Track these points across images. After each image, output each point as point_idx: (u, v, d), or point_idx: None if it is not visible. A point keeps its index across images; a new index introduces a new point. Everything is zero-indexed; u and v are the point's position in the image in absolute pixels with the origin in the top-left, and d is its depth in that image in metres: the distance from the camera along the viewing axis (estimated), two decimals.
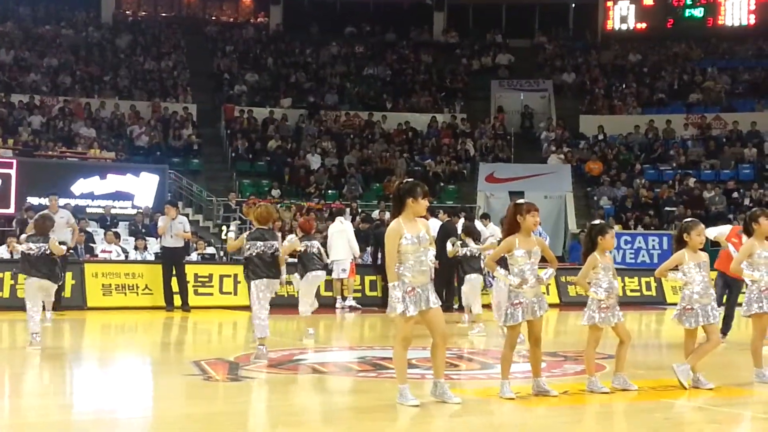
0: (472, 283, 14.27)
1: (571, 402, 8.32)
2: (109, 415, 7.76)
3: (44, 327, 12.16)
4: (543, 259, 8.37)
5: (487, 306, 15.25)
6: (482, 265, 13.53)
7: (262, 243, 10.60)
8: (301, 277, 12.85)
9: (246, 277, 10.83)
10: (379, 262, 19.31)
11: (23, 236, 11.84)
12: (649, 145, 32.56)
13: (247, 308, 12.93)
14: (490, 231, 17.41)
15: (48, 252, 11.58)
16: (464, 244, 14.11)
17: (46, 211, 15.34)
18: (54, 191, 17.98)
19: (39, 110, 29.68)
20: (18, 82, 31.51)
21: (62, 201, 23.30)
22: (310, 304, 12.92)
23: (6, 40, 33.38)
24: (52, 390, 9.26)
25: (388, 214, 23.66)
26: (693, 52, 37.65)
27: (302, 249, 12.69)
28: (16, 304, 16.13)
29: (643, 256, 25.91)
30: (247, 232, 11.00)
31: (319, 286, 13.66)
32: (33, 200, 23.47)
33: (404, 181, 8.09)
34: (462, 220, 18.31)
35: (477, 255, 13.95)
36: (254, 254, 10.57)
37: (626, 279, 21.58)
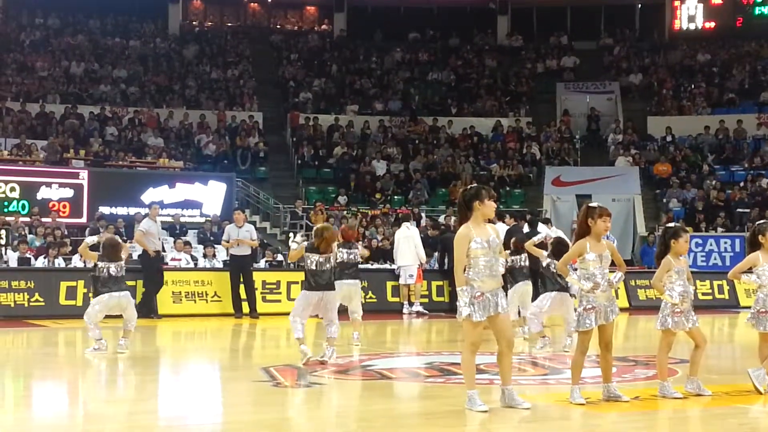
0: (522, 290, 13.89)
1: (642, 407, 8.20)
2: (180, 422, 7.85)
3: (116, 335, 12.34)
4: (612, 263, 8.27)
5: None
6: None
7: (318, 256, 10.72)
8: None
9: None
10: (446, 267, 19.26)
11: (97, 254, 12.11)
12: (720, 145, 32.01)
13: (315, 315, 13.02)
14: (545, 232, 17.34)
15: (121, 273, 11.93)
16: (513, 254, 13.64)
17: (113, 236, 15.78)
18: (121, 200, 18.24)
19: (110, 121, 30.21)
20: (88, 94, 32.12)
21: (132, 210, 23.80)
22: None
23: (77, 53, 34.05)
24: (123, 397, 9.39)
25: (454, 219, 23.61)
26: (764, 50, 36.89)
27: (342, 258, 12.72)
28: None
29: (715, 258, 25.47)
30: (307, 242, 11.09)
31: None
32: (104, 209, 23.95)
33: (468, 187, 8.07)
34: (526, 227, 18.16)
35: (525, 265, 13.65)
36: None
37: (698, 282, 21.14)
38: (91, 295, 13.56)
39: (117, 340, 12.14)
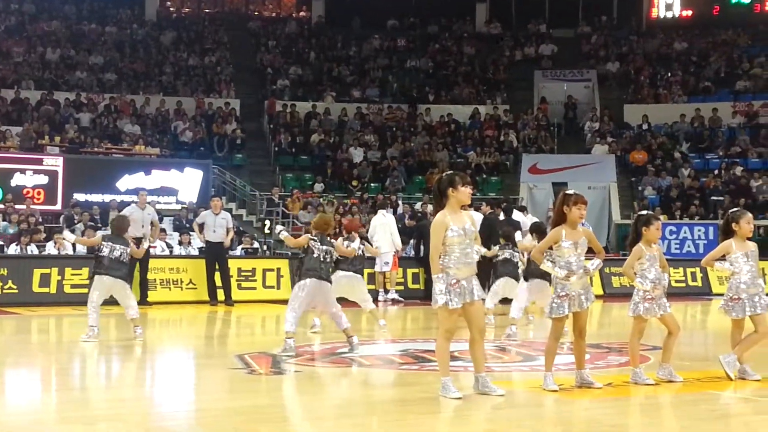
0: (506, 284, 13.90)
1: (615, 394, 8.26)
2: (154, 409, 7.84)
3: (80, 322, 12.27)
4: (589, 250, 8.30)
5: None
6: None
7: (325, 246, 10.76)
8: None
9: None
10: (421, 254, 19.29)
11: (99, 233, 12.03)
12: (695, 133, 32.18)
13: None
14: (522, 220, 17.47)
15: (125, 256, 11.87)
16: (503, 247, 13.64)
17: (124, 212, 15.78)
18: (96, 187, 18.08)
19: (86, 108, 30.02)
20: (64, 80, 31.89)
21: (108, 197, 23.68)
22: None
23: (52, 38, 33.78)
24: (97, 384, 9.37)
25: (430, 207, 23.64)
26: (740, 39, 37.06)
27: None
28: (63, 300, 16.43)
29: (689, 246, 25.62)
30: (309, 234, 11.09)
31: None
32: (79, 197, 23.83)
33: (443, 174, 8.08)
34: (501, 215, 18.23)
35: (512, 259, 13.63)
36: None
37: (671, 269, 21.23)
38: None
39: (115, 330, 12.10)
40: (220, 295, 17.71)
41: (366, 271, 19.25)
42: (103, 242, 11.92)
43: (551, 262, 8.21)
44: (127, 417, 7.30)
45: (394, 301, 18.77)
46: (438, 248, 7.70)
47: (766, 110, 32.60)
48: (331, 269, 11.13)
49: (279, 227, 11.82)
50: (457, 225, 7.72)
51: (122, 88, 31.95)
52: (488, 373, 7.99)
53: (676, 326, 8.68)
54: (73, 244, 17.47)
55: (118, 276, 11.91)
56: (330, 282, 10.94)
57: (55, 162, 24.41)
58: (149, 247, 17.64)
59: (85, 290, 12.92)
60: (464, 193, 7.83)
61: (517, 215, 18.45)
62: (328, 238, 11.05)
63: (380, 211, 19.65)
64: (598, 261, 8.43)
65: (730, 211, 9.23)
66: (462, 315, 7.74)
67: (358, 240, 13.29)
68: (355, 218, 17.56)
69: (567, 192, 8.29)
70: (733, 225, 8.88)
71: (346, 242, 12.89)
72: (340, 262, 12.73)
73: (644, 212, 9.14)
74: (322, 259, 10.67)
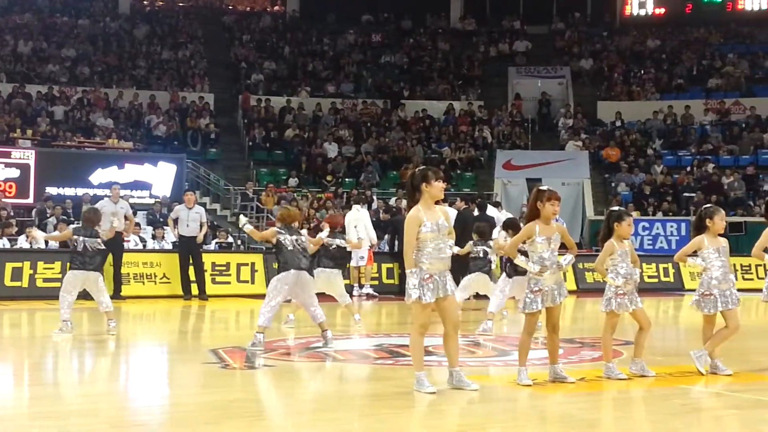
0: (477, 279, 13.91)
1: (588, 388, 8.31)
2: (128, 404, 7.81)
3: (52, 317, 12.19)
4: (563, 246, 8.35)
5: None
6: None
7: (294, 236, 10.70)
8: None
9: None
10: (395, 249, 19.31)
11: (71, 227, 11.99)
12: (668, 131, 32.40)
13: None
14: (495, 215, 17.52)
15: (99, 246, 11.82)
16: (476, 243, 13.59)
17: (97, 205, 15.68)
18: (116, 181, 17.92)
19: (58, 101, 29.80)
20: (36, 73, 31.65)
21: (81, 191, 23.52)
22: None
23: (24, 31, 33.52)
24: (70, 379, 9.32)
25: (405, 202, 23.65)
26: (712, 37, 37.38)
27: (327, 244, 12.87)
28: (35, 294, 16.32)
29: (661, 242, 25.82)
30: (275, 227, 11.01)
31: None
32: (52, 190, 23.67)
33: (416, 169, 8.09)
34: (476, 211, 18.25)
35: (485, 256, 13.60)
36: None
37: (644, 265, 21.48)
38: None
39: (88, 324, 12.03)
40: (194, 289, 17.66)
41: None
42: (74, 236, 11.86)
43: (525, 257, 8.25)
44: (100, 412, 7.26)
45: (368, 296, 18.79)
46: (412, 243, 7.72)
47: (738, 108, 32.91)
48: (309, 260, 11.00)
49: (243, 219, 11.63)
50: (431, 220, 7.73)
51: (95, 81, 31.75)
52: (462, 368, 8.02)
53: (647, 321, 8.75)
54: (45, 241, 17.38)
55: (92, 269, 11.90)
56: (311, 274, 10.91)
57: (27, 155, 24.23)
58: (123, 241, 17.59)
59: (58, 284, 12.86)
60: (437, 188, 7.85)
61: (491, 211, 18.51)
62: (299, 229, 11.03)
63: (355, 206, 19.64)
64: (571, 256, 8.48)
65: (704, 207, 9.32)
66: (436, 310, 7.77)
67: (327, 230, 13.18)
68: (338, 214, 17.51)
69: (541, 188, 8.32)
70: (707, 221, 8.95)
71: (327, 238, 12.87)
72: (323, 257, 12.74)
73: (616, 208, 9.20)
74: (294, 249, 10.60)
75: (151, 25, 35.96)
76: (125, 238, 18.10)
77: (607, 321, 8.67)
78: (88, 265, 11.83)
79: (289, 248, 10.59)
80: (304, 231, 11.78)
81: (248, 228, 11.37)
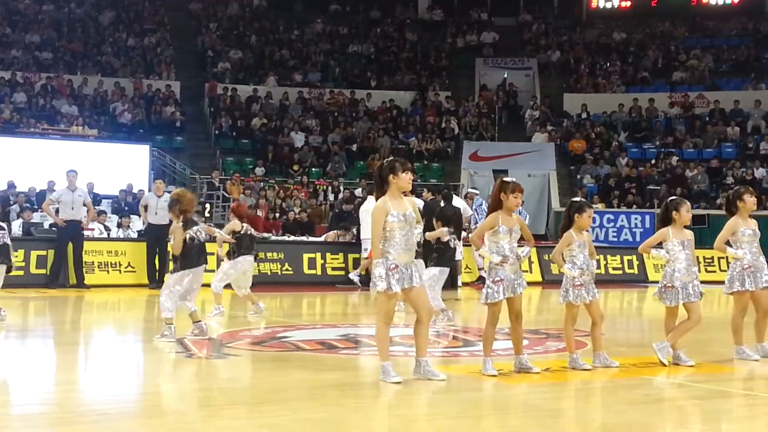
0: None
1: (553, 379, 8.37)
2: (92, 393, 7.76)
3: (13, 305, 12.12)
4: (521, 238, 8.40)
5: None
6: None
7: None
8: (230, 258, 12.92)
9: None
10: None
11: (17, 222, 11.88)
12: (633, 123, 32.63)
13: (229, 286, 13.03)
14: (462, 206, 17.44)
15: (5, 239, 11.79)
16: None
17: (53, 194, 15.51)
18: (72, 168, 17.66)
19: (21, 87, 29.46)
20: None
21: (44, 179, 23.27)
22: (225, 283, 12.94)
23: None
24: (36, 369, 9.23)
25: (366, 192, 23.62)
26: (677, 31, 37.69)
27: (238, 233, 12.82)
28: None
29: (626, 234, 26.03)
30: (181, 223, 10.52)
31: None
32: (15, 178, 23.42)
33: (383, 161, 8.11)
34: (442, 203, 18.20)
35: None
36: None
37: (608, 257, 21.68)
38: None
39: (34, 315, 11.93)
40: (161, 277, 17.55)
41: (306, 255, 19.42)
42: None
43: (486, 247, 8.30)
44: (63, 401, 7.22)
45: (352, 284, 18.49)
46: (378, 234, 7.73)
47: (702, 101, 33.21)
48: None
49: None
50: (398, 210, 7.75)
51: (59, 67, 31.42)
52: (428, 358, 8.04)
53: (599, 315, 8.77)
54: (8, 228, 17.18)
55: (3, 261, 11.79)
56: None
57: None
58: (84, 229, 17.40)
59: (20, 272, 12.76)
60: (404, 179, 7.87)
61: (458, 202, 18.53)
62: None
63: (369, 197, 19.27)
64: (528, 249, 8.55)
65: (670, 198, 9.36)
66: (407, 301, 7.78)
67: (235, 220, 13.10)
68: (243, 203, 17.39)
69: (505, 180, 8.36)
70: (674, 213, 9.01)
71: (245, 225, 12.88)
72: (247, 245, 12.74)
73: (577, 199, 9.23)
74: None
75: (117, 11, 35.62)
76: (87, 227, 17.93)
77: (566, 312, 8.72)
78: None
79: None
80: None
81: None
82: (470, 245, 15.75)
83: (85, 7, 35.48)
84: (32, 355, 10.09)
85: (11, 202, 21.50)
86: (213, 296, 12.92)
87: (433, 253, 11.97)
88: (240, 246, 12.78)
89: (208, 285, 12.68)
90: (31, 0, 34.73)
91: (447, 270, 12.30)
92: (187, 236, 10.30)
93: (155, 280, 17.51)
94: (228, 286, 13.07)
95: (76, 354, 10.25)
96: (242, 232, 12.82)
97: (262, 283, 13.77)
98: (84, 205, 17.39)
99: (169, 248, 17.72)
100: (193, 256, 10.37)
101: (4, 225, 12.43)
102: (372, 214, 7.82)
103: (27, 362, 9.55)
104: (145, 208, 17.85)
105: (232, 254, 12.87)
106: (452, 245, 12.29)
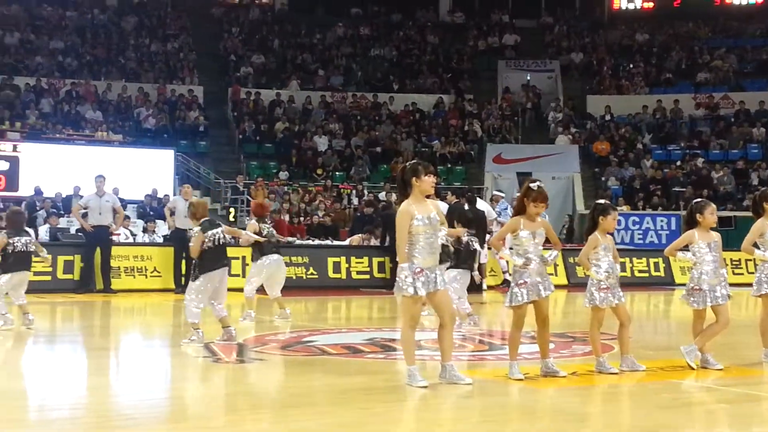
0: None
1: (579, 383, 8.33)
2: (120, 398, 7.79)
3: (41, 310, 12.22)
4: (547, 240, 8.38)
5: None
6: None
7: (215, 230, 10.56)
8: (254, 261, 12.95)
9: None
10: (386, 243, 19.29)
11: (2, 234, 11.93)
12: (657, 125, 32.48)
13: (260, 290, 13.06)
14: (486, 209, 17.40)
15: (30, 248, 11.85)
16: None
17: (82, 200, 15.66)
18: (100, 173, 17.77)
19: (46, 93, 29.68)
20: (24, 65, 31.50)
21: (70, 184, 23.45)
22: (257, 287, 12.94)
23: (11, 22, 33.33)
24: (64, 374, 9.29)
25: (395, 196, 23.64)
26: (700, 32, 37.48)
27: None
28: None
29: (651, 236, 25.89)
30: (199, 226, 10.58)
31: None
32: (41, 183, 23.60)
33: (406, 164, 8.10)
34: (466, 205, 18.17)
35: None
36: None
37: (634, 260, 21.56)
38: None
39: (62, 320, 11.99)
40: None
41: (331, 260, 19.44)
42: (9, 240, 11.85)
43: (509, 249, 8.29)
44: (90, 405, 7.26)
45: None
46: (404, 237, 7.72)
47: (727, 102, 33.00)
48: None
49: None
50: (422, 214, 7.75)
51: (84, 73, 31.62)
52: (454, 362, 8.02)
53: (627, 317, 8.72)
54: (36, 233, 17.37)
55: (24, 268, 11.92)
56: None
57: (15, 148, 24.14)
58: (112, 234, 17.53)
59: (48, 278, 12.86)
60: (427, 182, 7.86)
61: (482, 205, 18.52)
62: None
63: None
64: (555, 252, 8.54)
65: (694, 201, 9.30)
66: (430, 305, 7.77)
67: (254, 220, 13.11)
68: (265, 203, 17.41)
69: (531, 186, 8.25)
70: (697, 215, 8.95)
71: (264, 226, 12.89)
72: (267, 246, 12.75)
73: (602, 201, 9.17)
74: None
75: (140, 17, 35.82)
76: (115, 232, 18.04)
77: (592, 316, 8.66)
78: (19, 266, 11.82)
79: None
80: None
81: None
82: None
83: (109, 13, 35.70)
84: (61, 360, 10.14)
85: (38, 208, 21.66)
86: (245, 301, 12.94)
87: (452, 254, 11.92)
88: (261, 247, 12.78)
89: (238, 290, 12.75)
90: (54, 7, 35.00)
91: (467, 272, 12.13)
92: (206, 240, 10.32)
93: (181, 285, 17.57)
94: (260, 289, 13.05)
95: (104, 359, 10.30)
96: (264, 233, 12.81)
97: (287, 287, 13.75)
98: (114, 210, 17.44)
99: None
100: (210, 259, 10.40)
101: (30, 231, 12.55)
102: (397, 217, 7.81)
103: (56, 367, 9.61)
104: (171, 212, 17.91)
105: (255, 256, 12.88)
106: (471, 248, 12.27)
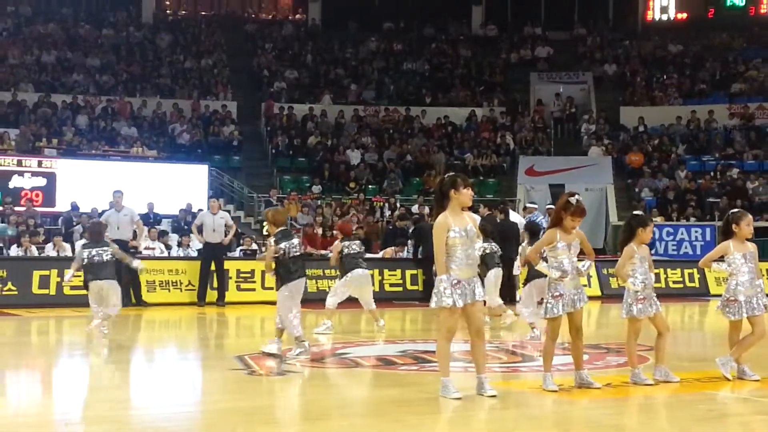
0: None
1: (614, 394, 8.30)
2: (155, 410, 7.86)
3: (77, 323, 12.34)
4: (581, 252, 8.37)
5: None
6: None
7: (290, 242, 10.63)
8: (341, 277, 13.33)
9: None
10: (419, 256, 19.31)
11: (78, 245, 12.26)
12: (691, 135, 32.27)
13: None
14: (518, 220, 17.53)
15: (110, 257, 12.16)
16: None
17: (103, 216, 15.83)
18: (118, 189, 17.95)
19: (83, 110, 30.02)
20: (61, 83, 31.90)
21: (106, 199, 23.65)
22: (340, 299, 13.32)
23: (49, 41, 33.80)
24: (98, 386, 9.39)
25: (427, 209, 23.68)
26: (735, 42, 37.20)
27: (344, 251, 13.20)
28: (62, 302, 16.44)
29: (686, 247, 25.71)
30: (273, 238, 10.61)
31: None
32: (78, 199, 23.85)
33: (444, 176, 8.13)
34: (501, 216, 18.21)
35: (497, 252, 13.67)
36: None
37: (669, 271, 21.43)
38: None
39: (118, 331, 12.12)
40: (211, 296, 17.71)
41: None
42: (84, 250, 12.09)
43: (545, 262, 8.29)
44: (126, 418, 7.33)
45: None
46: (441, 249, 7.75)
47: (762, 112, 32.71)
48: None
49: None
50: (459, 226, 7.77)
51: (119, 90, 31.97)
52: (488, 374, 8.02)
53: (665, 327, 8.70)
54: (72, 248, 17.63)
55: (107, 276, 12.25)
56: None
57: (53, 164, 24.43)
58: (131, 247, 17.56)
59: (84, 291, 13.03)
60: (465, 195, 7.90)
61: (514, 216, 18.52)
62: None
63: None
64: (589, 262, 8.54)
65: (731, 211, 9.23)
66: (462, 316, 7.79)
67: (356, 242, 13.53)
68: (349, 220, 17.68)
69: (570, 200, 8.20)
70: (733, 226, 8.90)
71: (344, 244, 13.15)
72: (352, 262, 13.12)
73: (639, 213, 9.19)
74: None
75: (174, 34, 36.18)
76: (140, 245, 18.15)
77: (629, 327, 8.64)
78: (101, 273, 12.21)
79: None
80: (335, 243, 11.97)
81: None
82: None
83: (144, 31, 36.09)
84: (96, 373, 10.25)
85: (74, 223, 21.89)
86: (326, 311, 13.21)
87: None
88: (344, 264, 13.12)
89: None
90: (91, 25, 35.43)
91: (499, 270, 13.21)
92: (280, 250, 10.39)
93: (203, 298, 17.68)
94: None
95: (138, 372, 10.40)
96: (345, 251, 13.12)
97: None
98: (133, 223, 17.51)
99: (228, 266, 18.09)
100: (287, 270, 10.44)
101: (109, 241, 12.83)
102: (434, 230, 7.83)
103: (92, 380, 9.72)
104: (200, 228, 18.07)
105: (341, 274, 13.26)
106: (489, 250, 12.99)
